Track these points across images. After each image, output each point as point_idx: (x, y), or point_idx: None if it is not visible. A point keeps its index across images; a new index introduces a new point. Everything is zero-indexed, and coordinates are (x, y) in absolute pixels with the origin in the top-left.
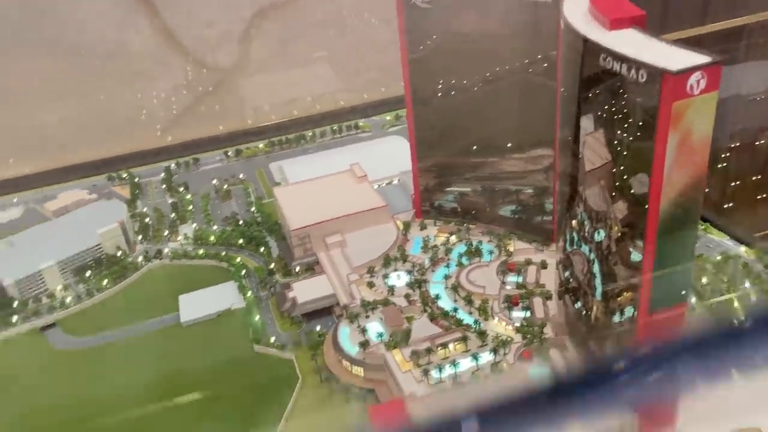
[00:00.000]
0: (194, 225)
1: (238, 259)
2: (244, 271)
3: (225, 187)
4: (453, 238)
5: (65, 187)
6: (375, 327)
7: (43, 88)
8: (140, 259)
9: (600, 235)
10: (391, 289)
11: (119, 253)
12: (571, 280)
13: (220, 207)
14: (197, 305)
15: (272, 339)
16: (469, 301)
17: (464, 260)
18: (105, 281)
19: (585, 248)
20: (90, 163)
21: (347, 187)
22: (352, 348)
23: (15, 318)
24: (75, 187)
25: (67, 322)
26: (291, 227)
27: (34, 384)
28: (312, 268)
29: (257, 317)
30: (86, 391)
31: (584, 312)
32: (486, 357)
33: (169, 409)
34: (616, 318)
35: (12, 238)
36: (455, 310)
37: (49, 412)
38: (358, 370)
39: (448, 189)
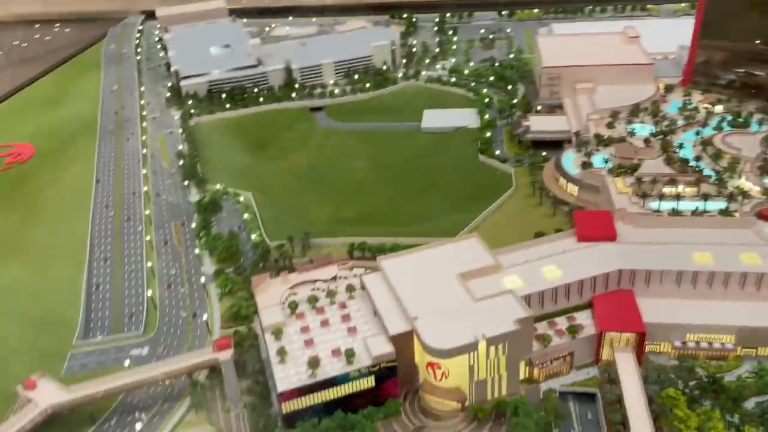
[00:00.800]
0: (453, 60)
1: (485, 91)
2: (486, 100)
3: (490, 37)
4: (718, 108)
5: (352, 19)
6: (602, 156)
7: None
8: (400, 75)
9: None
10: (631, 132)
11: (384, 67)
12: None
13: (481, 53)
14: (438, 119)
15: (497, 152)
16: (716, 157)
17: (725, 126)
18: (367, 85)
19: None
20: (377, 4)
21: (614, 44)
22: (572, 169)
23: (294, 95)
24: (360, 20)
25: (332, 108)
26: (543, 64)
27: (298, 146)
28: (553, 111)
29: (488, 134)
30: (337, 161)
31: None
32: (716, 204)
33: (399, 187)
34: None
35: (304, 40)
36: (697, 159)
37: (304, 170)
38: (573, 189)
39: (730, 67)
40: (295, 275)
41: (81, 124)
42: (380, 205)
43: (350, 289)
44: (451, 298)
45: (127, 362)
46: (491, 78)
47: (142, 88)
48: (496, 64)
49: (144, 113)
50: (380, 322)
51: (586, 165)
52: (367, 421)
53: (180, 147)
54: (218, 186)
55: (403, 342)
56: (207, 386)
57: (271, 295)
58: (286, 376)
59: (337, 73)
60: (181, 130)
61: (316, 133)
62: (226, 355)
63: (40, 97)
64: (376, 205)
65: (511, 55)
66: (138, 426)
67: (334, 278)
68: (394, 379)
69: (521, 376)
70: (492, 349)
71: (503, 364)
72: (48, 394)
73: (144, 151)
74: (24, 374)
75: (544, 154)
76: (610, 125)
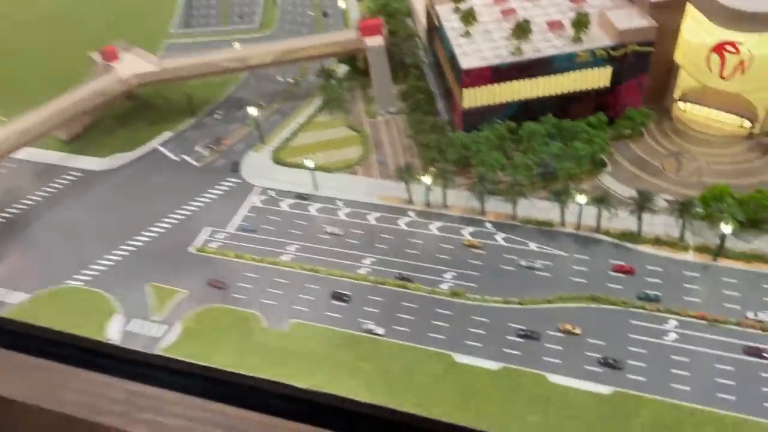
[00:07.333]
0: None
1: None
2: None
3: None
4: None
5: None
6: None
7: None
8: None
9: None
10: None
11: None
12: None
13: None
14: None
15: None
16: None
17: None
18: None
19: None
20: None
21: None
22: None
23: None
24: None
25: None
26: None
27: None
28: None
29: None
30: None
31: None
32: None
33: None
34: None
35: None
36: None
37: None
38: None
39: None
40: None
41: None
42: None
43: None
44: None
45: (236, 45)
46: None
47: None
48: None
49: None
50: None
51: None
52: (597, 130)
53: None
54: None
55: (666, 18)
56: (345, 85)
57: None
58: (475, 50)
59: None
60: None
61: None
62: (377, 40)
63: None
64: None
65: None
66: (253, 111)
67: None
68: (641, 76)
69: None
70: None
71: None
72: (133, 66)
73: None
74: None
75: None
76: None
